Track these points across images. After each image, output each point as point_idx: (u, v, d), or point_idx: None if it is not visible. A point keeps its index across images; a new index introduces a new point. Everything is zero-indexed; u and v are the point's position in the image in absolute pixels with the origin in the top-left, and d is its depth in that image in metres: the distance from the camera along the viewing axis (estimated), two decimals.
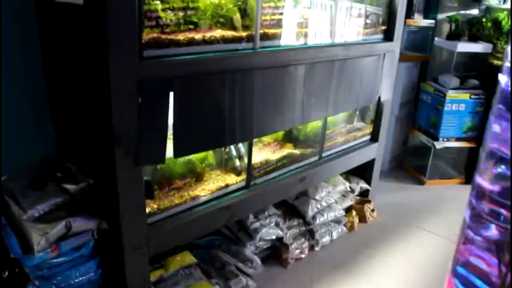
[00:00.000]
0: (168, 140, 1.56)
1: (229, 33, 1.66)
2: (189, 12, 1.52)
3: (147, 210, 1.64)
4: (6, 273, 1.56)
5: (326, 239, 2.48)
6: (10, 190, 1.61)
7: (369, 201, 2.78)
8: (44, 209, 1.52)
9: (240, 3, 1.70)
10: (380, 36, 2.44)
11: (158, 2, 1.42)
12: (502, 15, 3.10)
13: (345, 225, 2.60)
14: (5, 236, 1.58)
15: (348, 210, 2.66)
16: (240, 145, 1.99)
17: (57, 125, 1.83)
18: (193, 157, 1.83)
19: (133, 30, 1.35)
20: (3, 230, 1.58)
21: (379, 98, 2.55)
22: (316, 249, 2.44)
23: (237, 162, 1.98)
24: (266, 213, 2.23)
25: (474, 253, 1.10)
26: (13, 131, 1.73)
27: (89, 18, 1.38)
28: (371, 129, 2.69)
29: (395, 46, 2.49)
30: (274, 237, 2.24)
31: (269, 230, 2.22)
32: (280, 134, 2.25)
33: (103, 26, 1.29)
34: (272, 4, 1.77)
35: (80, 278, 1.61)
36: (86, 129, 1.61)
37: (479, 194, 1.15)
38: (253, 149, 1.99)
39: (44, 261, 1.51)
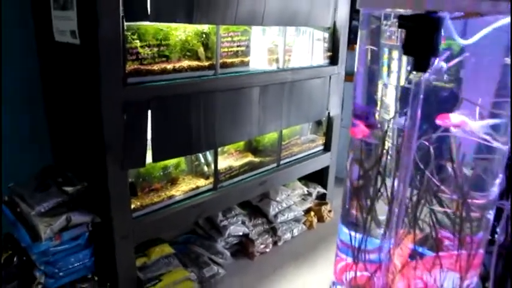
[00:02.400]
0: (148, 150, 2.00)
1: (194, 63, 2.12)
2: (162, 48, 1.98)
3: (132, 206, 2.05)
4: (16, 260, 1.95)
5: (287, 236, 2.91)
6: (19, 193, 2.01)
7: (326, 204, 3.23)
8: (48, 206, 1.92)
9: (203, 39, 2.16)
10: (326, 61, 2.94)
11: (138, 41, 1.88)
12: None
13: (304, 224, 3.04)
14: (15, 230, 1.98)
15: (308, 211, 3.11)
16: (208, 154, 2.44)
17: (54, 140, 2.25)
18: (169, 164, 2.26)
19: (119, 63, 1.79)
20: (14, 226, 1.98)
21: (329, 113, 3.03)
22: (279, 244, 2.87)
23: (205, 168, 2.43)
24: (233, 212, 2.66)
25: None
26: (18, 146, 2.15)
27: (84, 55, 1.82)
28: (324, 140, 3.17)
29: (340, 69, 2.99)
30: (241, 233, 2.67)
31: (236, 227, 2.65)
32: (242, 144, 2.70)
33: (96, 61, 1.73)
34: (229, 39, 2.25)
35: (77, 264, 2.01)
36: (81, 142, 2.03)
37: None
38: (219, 158, 2.43)
39: (48, 249, 1.90)
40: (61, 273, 1.96)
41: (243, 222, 2.69)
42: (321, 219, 3.16)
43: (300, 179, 3.14)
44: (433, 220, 1.22)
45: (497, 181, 1.24)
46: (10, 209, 2.01)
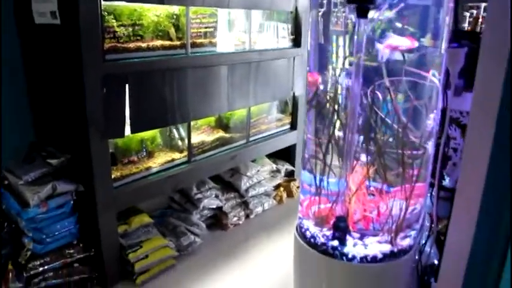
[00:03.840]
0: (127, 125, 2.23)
1: (166, 43, 2.36)
2: (136, 28, 2.21)
3: (113, 176, 2.28)
4: (7, 226, 2.15)
5: (259, 209, 3.18)
6: (6, 167, 2.20)
7: (295, 180, 3.52)
8: (35, 175, 2.13)
9: (173, 20, 2.40)
10: (290, 43, 3.23)
11: (114, 21, 2.11)
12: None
13: (274, 199, 3.32)
14: (4, 201, 2.17)
15: (278, 187, 3.39)
16: (181, 129, 2.68)
17: (36, 118, 2.44)
18: (145, 138, 2.49)
19: (98, 41, 2.02)
20: (2, 197, 2.17)
21: (294, 93, 3.32)
22: (251, 217, 3.13)
23: (180, 143, 2.67)
24: (207, 186, 2.91)
25: None
26: (2, 128, 2.34)
27: (65, 34, 2.03)
28: (290, 120, 3.45)
29: (303, 51, 3.28)
30: (215, 206, 2.92)
31: (210, 200, 2.90)
32: (213, 120, 2.95)
33: (77, 38, 1.95)
34: (198, 21, 2.50)
35: (63, 231, 2.21)
36: (64, 117, 2.23)
37: None
38: (192, 133, 2.68)
39: (36, 215, 2.10)
40: (48, 239, 2.16)
41: (217, 196, 2.94)
42: (290, 194, 3.44)
43: (268, 157, 3.41)
44: (380, 153, 1.51)
45: (432, 116, 1.54)
46: None
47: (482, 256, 1.23)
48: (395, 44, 1.46)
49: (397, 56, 1.48)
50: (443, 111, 1.60)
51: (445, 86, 1.53)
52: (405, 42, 1.46)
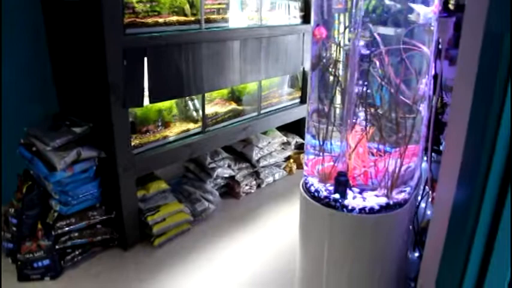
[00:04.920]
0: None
1: (182, 18, 2.52)
2: (153, 4, 2.38)
3: (132, 144, 2.47)
4: (36, 189, 2.36)
5: (270, 179, 3.36)
6: (34, 134, 2.40)
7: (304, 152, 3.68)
8: (61, 142, 2.32)
9: None
10: (299, 20, 3.37)
11: None
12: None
13: (285, 169, 3.49)
14: (33, 166, 2.38)
15: (288, 158, 3.56)
16: (196, 101, 2.85)
17: (60, 91, 2.64)
18: (163, 108, 2.68)
19: (118, 15, 2.19)
20: (31, 163, 2.37)
21: (304, 68, 3.47)
22: (262, 186, 3.32)
23: (194, 114, 2.85)
24: (220, 156, 3.09)
25: None
26: (26, 97, 2.54)
27: (88, 9, 2.20)
28: (300, 94, 3.61)
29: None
30: (227, 175, 3.11)
31: (223, 169, 3.09)
32: (225, 93, 3.13)
33: (99, 13, 2.12)
34: None
35: (87, 194, 2.42)
36: (87, 88, 2.42)
37: None
38: (206, 105, 2.85)
39: (63, 178, 2.31)
40: (73, 202, 2.37)
41: (229, 166, 3.13)
42: (300, 166, 3.61)
43: (280, 130, 3.58)
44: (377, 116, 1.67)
45: (424, 80, 1.69)
46: (26, 149, 2.40)
47: (462, 210, 1.37)
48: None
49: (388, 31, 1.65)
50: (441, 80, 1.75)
51: (437, 54, 1.67)
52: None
